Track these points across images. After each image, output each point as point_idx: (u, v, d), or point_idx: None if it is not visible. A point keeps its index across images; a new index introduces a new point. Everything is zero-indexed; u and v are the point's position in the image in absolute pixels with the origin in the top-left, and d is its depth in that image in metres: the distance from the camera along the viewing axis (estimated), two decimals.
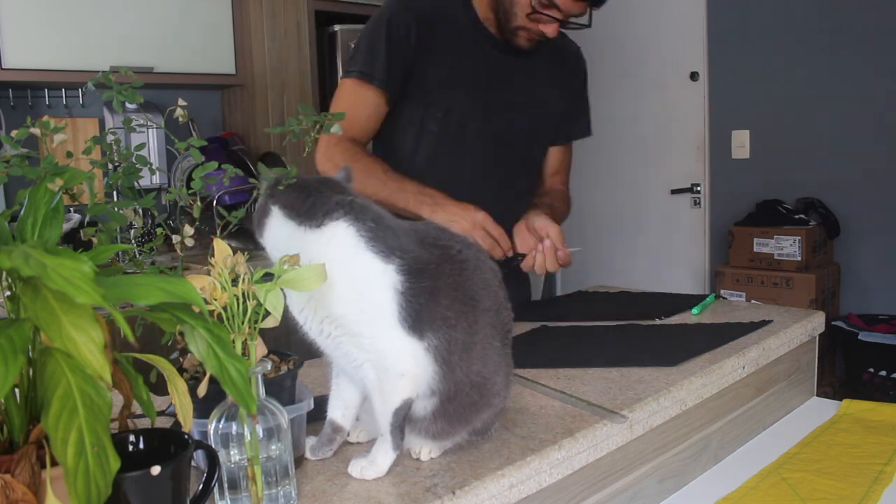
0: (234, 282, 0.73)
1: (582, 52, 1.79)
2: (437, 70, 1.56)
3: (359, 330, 0.81)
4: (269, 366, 0.79)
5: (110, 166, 0.91)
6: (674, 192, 3.74)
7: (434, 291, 0.81)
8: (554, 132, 1.73)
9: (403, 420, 0.83)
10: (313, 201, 0.80)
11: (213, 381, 0.67)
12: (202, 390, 0.71)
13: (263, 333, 0.75)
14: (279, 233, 0.81)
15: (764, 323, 1.39)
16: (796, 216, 3.23)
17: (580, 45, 1.82)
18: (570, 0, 1.46)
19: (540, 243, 1.45)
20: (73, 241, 2.49)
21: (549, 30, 1.50)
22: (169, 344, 0.84)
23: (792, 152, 3.38)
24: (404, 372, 0.81)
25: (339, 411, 0.89)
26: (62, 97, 3.02)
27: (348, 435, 0.91)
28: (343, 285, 0.79)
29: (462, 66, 1.58)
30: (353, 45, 1.62)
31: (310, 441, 0.89)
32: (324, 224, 0.80)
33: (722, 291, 3.30)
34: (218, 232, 0.92)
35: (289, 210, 0.81)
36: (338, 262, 0.78)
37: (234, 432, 0.73)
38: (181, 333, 0.66)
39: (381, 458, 0.83)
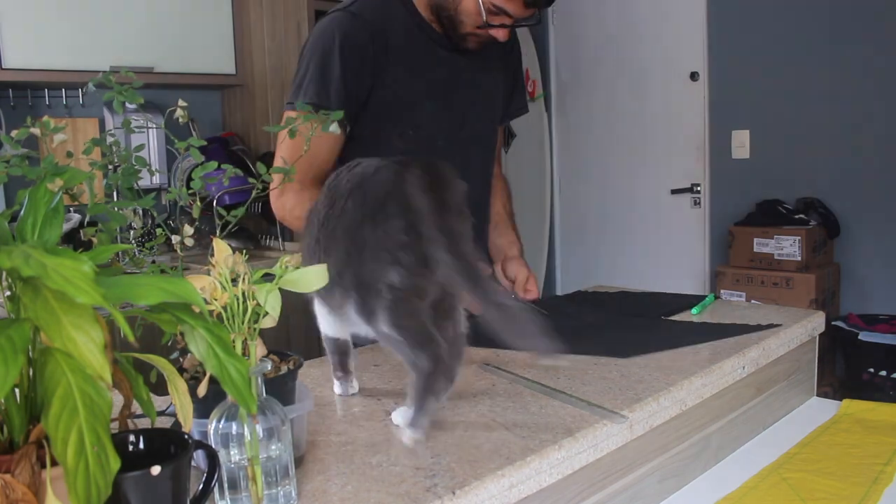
0: (234, 282, 0.73)
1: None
2: (398, 87, 1.48)
3: None
4: (269, 366, 0.79)
5: (110, 167, 0.91)
6: (674, 192, 3.75)
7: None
8: (500, 116, 1.72)
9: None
10: None
11: (213, 381, 0.67)
12: (202, 390, 0.71)
13: (263, 334, 0.75)
14: None
15: (772, 326, 1.38)
16: (796, 216, 3.23)
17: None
18: (519, 7, 1.40)
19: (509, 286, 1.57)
20: (73, 241, 2.49)
21: (500, 35, 1.45)
22: (169, 344, 0.84)
23: (792, 152, 3.38)
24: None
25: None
26: (62, 97, 3.02)
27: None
28: None
29: (421, 78, 1.51)
30: (297, 71, 1.48)
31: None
32: None
33: (722, 291, 3.29)
34: (218, 232, 0.92)
35: None
36: None
37: (234, 432, 0.73)
38: (181, 333, 0.66)
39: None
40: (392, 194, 0.87)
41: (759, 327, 1.37)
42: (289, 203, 1.44)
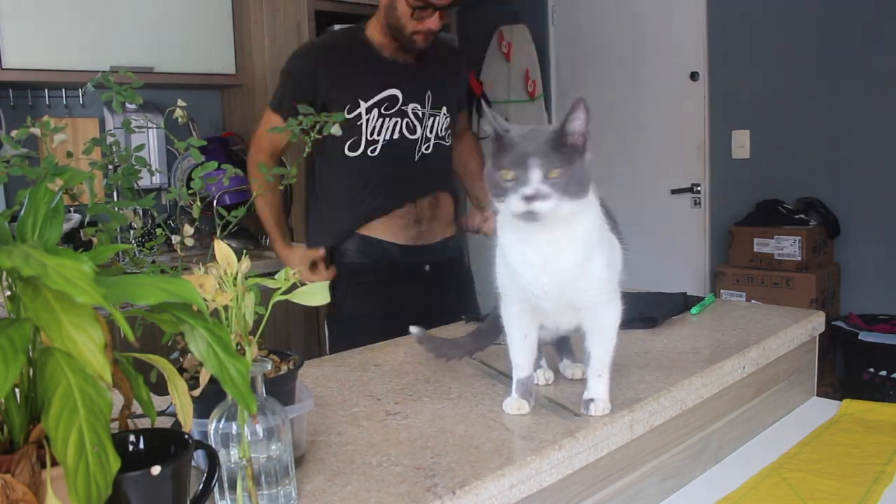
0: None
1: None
2: (354, 102, 1.85)
3: (612, 289, 0.99)
4: (269, 366, 0.79)
5: (110, 167, 0.91)
6: (674, 192, 3.74)
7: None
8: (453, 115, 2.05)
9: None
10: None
11: (212, 381, 0.67)
12: (198, 391, 0.71)
13: (264, 334, 0.75)
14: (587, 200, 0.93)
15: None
16: (796, 216, 3.23)
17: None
18: None
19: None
20: (73, 241, 2.49)
21: (433, 24, 1.80)
22: (169, 344, 0.84)
23: (792, 152, 3.38)
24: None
25: (530, 367, 1.03)
26: (62, 97, 3.01)
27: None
28: (604, 251, 0.97)
29: (378, 92, 1.87)
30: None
31: (513, 400, 1.01)
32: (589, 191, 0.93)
33: (722, 291, 3.29)
34: (218, 232, 0.92)
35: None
36: (597, 230, 0.95)
37: (234, 432, 0.73)
38: (181, 333, 0.66)
39: (606, 394, 1.00)
40: None
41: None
42: (252, 171, 1.99)
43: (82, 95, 3.04)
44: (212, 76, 3.16)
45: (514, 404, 1.01)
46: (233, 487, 0.73)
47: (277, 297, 0.76)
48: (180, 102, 0.96)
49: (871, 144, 3.17)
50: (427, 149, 1.95)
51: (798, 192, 3.34)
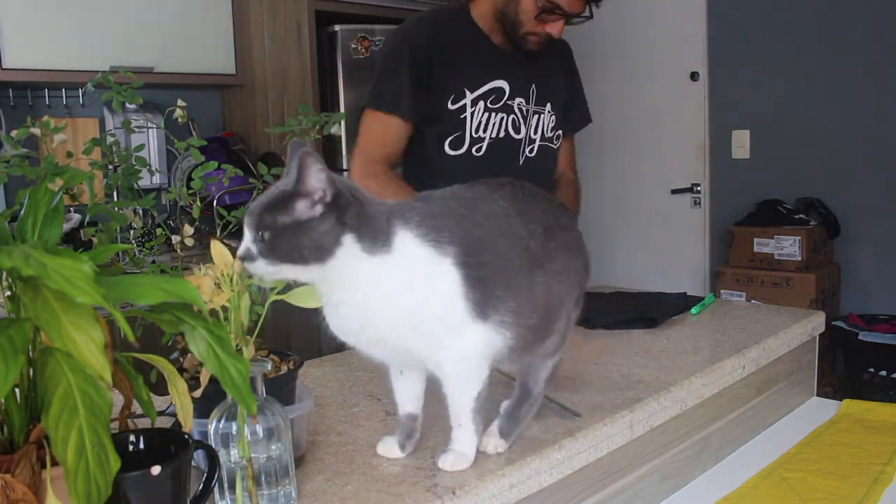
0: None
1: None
2: (460, 92, 1.60)
3: (437, 334, 0.82)
4: (269, 366, 0.79)
5: (110, 167, 0.91)
6: (674, 192, 3.74)
7: (483, 271, 0.82)
8: (563, 122, 1.78)
9: (483, 402, 0.85)
10: (379, 226, 0.78)
11: (212, 380, 0.67)
12: (199, 392, 0.71)
13: (263, 334, 0.75)
14: (351, 263, 0.77)
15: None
16: (796, 216, 3.23)
17: (579, 45, 1.85)
18: (573, 3, 1.53)
19: None
20: (73, 241, 2.49)
21: (555, 29, 1.57)
22: (169, 344, 0.84)
23: (792, 152, 3.38)
24: (481, 357, 0.84)
25: (412, 405, 0.91)
26: (62, 97, 3.01)
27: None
28: (417, 301, 0.80)
29: (486, 83, 1.62)
30: (373, 75, 1.65)
31: (386, 441, 0.90)
32: (391, 244, 0.78)
33: (722, 291, 3.29)
34: (218, 232, 0.92)
35: (367, 241, 0.77)
36: (411, 283, 0.79)
37: (234, 432, 0.73)
38: (181, 333, 0.66)
39: (469, 447, 0.85)
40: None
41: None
42: (373, 187, 1.41)
43: (82, 95, 3.04)
44: (212, 76, 3.16)
45: (384, 446, 0.91)
46: (233, 487, 0.73)
47: (273, 297, 0.76)
48: (180, 102, 0.96)
49: (871, 144, 3.17)
50: (531, 151, 1.70)
51: (798, 192, 3.34)
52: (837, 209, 3.25)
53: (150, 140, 3.07)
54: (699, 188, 3.68)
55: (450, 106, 1.59)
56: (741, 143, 3.54)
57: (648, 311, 1.52)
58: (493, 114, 1.63)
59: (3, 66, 2.60)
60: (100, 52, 2.78)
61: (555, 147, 1.75)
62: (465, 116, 1.60)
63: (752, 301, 3.12)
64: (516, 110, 1.66)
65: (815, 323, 1.48)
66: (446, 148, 1.61)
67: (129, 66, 2.68)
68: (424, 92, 1.57)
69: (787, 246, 3.16)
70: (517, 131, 1.67)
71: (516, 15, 1.57)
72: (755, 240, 3.24)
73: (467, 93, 1.60)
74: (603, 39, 3.95)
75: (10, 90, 2.88)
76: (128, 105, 0.90)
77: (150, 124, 2.90)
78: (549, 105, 1.71)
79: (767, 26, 3.39)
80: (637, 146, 3.88)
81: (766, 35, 3.39)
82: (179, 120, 0.96)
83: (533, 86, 1.68)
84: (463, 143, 1.61)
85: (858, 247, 3.26)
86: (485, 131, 1.63)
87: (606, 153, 4.01)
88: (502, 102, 1.64)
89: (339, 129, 1.05)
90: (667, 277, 3.72)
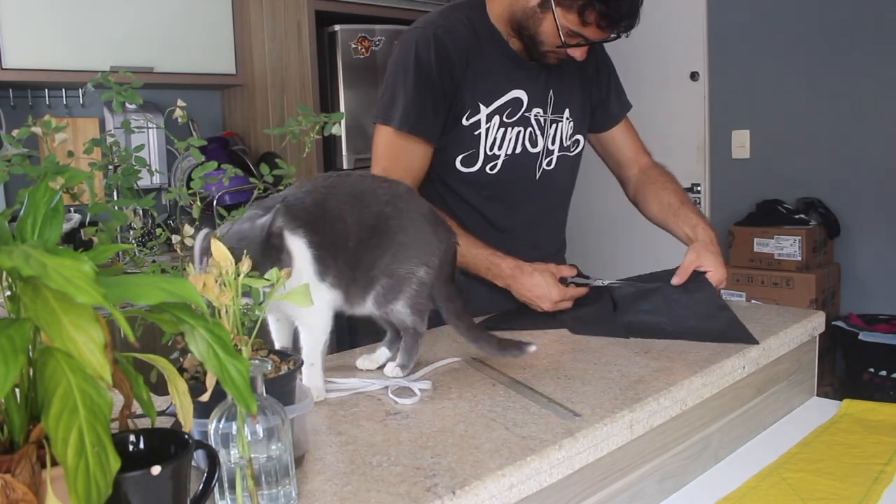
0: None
1: None
2: (474, 107, 1.51)
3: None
4: (269, 366, 0.79)
5: (110, 167, 0.91)
6: None
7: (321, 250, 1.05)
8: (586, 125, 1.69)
9: (325, 348, 1.09)
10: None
11: None
12: (206, 397, 0.71)
13: (263, 334, 0.76)
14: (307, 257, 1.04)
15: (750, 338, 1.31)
16: (796, 216, 3.23)
17: None
18: (597, 33, 1.45)
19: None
20: (74, 241, 2.49)
21: (577, 54, 1.48)
22: (169, 344, 0.84)
23: (792, 152, 3.38)
24: (326, 309, 1.08)
25: (281, 343, 1.11)
26: (62, 97, 3.02)
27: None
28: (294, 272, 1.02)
29: (502, 95, 1.53)
30: (383, 86, 1.53)
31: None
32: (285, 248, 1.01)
33: (722, 291, 3.30)
34: (217, 232, 0.92)
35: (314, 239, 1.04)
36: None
37: (234, 432, 0.73)
38: (181, 333, 0.66)
39: (319, 381, 1.08)
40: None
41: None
42: None
43: (82, 95, 3.04)
44: (212, 76, 3.16)
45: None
46: (233, 487, 0.73)
47: (271, 297, 0.76)
48: (180, 102, 0.96)
49: (871, 144, 3.17)
50: (549, 164, 1.60)
51: (798, 192, 3.34)
52: (837, 209, 3.25)
53: (150, 140, 3.07)
54: (699, 188, 3.68)
55: (464, 122, 1.50)
56: (741, 143, 3.54)
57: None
58: (509, 129, 1.53)
59: (3, 66, 2.60)
60: (100, 52, 2.78)
61: (572, 155, 1.66)
62: (480, 133, 1.51)
63: (753, 301, 3.12)
64: (533, 122, 1.56)
65: (815, 323, 1.48)
66: (458, 165, 1.52)
67: (129, 66, 2.68)
68: (432, 108, 1.48)
69: (787, 246, 3.16)
70: (534, 145, 1.57)
71: (536, 33, 1.47)
72: (755, 240, 3.25)
73: (482, 107, 1.50)
74: None
75: (10, 90, 2.88)
76: (128, 105, 0.90)
77: (150, 124, 2.91)
78: (567, 111, 1.61)
79: (767, 26, 3.39)
80: None
81: (766, 35, 3.39)
82: (179, 120, 0.96)
83: (551, 92, 1.57)
84: (476, 161, 1.52)
85: (858, 247, 3.26)
86: (500, 148, 1.52)
87: None
88: (519, 115, 1.54)
89: (340, 130, 1.05)
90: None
